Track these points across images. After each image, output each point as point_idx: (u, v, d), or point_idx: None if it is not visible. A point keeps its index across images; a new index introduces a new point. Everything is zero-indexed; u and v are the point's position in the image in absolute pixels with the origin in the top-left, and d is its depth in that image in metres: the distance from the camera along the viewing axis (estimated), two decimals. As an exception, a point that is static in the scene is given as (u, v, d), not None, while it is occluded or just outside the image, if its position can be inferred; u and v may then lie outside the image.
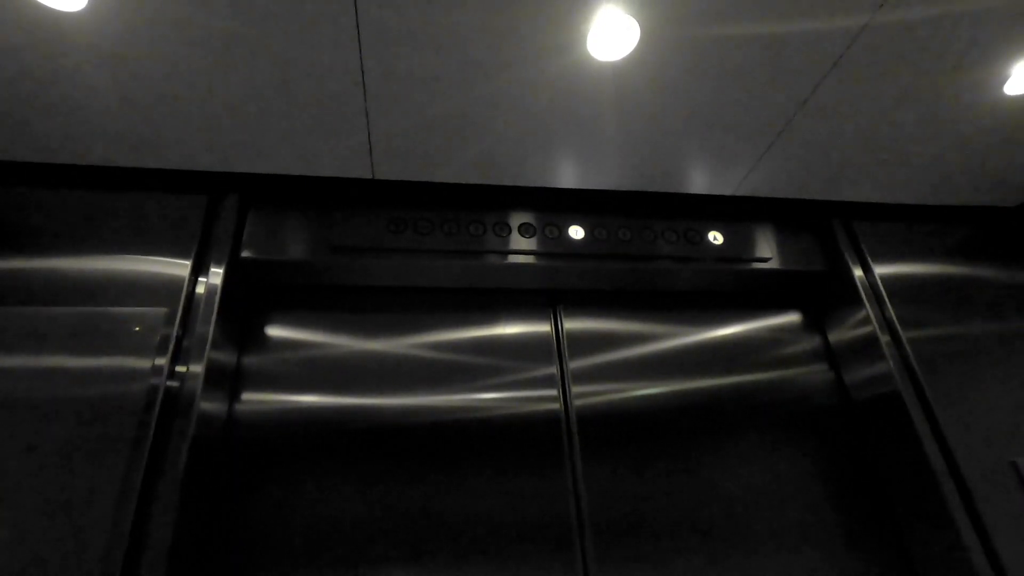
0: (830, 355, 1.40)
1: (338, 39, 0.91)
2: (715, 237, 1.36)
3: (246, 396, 1.16)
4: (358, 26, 0.89)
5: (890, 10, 0.92)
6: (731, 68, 1.01)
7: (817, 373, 1.37)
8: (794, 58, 1.00)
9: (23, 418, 0.91)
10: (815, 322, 1.44)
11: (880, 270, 1.33)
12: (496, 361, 1.27)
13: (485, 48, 0.94)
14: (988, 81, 1.08)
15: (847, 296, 1.34)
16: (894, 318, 1.27)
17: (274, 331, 1.23)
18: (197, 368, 1.01)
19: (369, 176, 1.21)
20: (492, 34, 0.92)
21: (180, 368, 1.01)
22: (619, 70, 1.00)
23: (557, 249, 1.29)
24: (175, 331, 1.03)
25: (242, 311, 1.24)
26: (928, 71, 1.04)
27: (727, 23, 0.93)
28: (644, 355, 1.32)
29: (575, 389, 1.26)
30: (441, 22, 0.90)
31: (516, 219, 1.31)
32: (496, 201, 1.33)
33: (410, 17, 0.89)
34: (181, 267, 1.09)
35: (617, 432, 1.23)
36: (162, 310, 1.04)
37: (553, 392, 1.25)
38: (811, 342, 1.41)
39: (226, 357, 1.13)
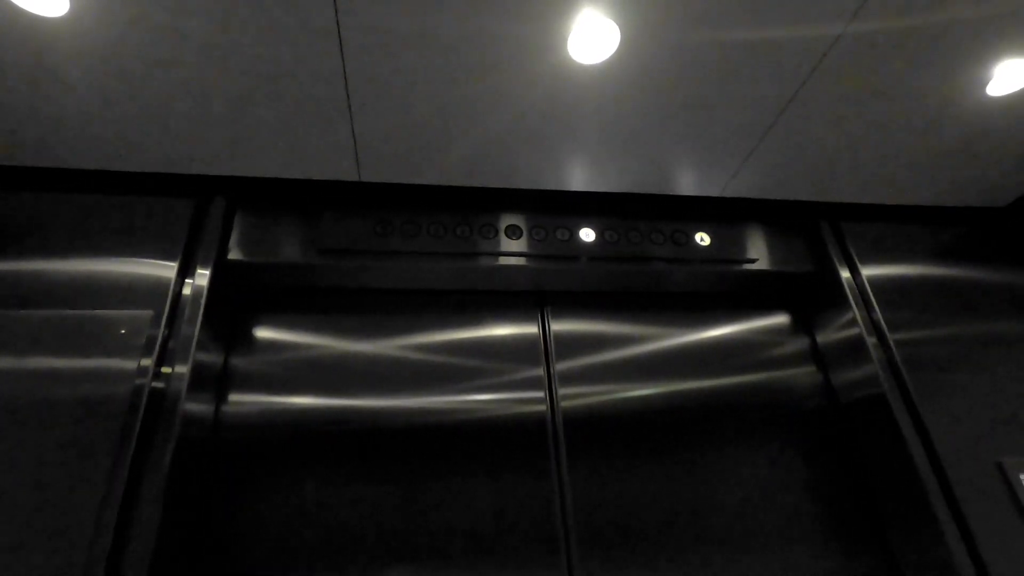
0: (818, 357, 1.40)
1: (319, 42, 0.92)
2: (702, 238, 1.37)
3: (233, 398, 1.17)
4: (339, 29, 0.90)
5: (867, 16, 0.92)
6: (713, 71, 1.02)
7: (805, 375, 1.37)
8: (776, 61, 1.00)
9: (7, 419, 0.92)
10: (803, 323, 1.44)
11: (867, 271, 1.33)
12: (483, 363, 1.27)
13: (467, 51, 0.95)
14: (971, 82, 1.08)
15: (834, 298, 1.34)
16: (881, 320, 1.27)
17: (261, 333, 1.24)
18: (182, 369, 1.02)
19: (355, 178, 1.22)
20: (473, 37, 0.93)
21: (165, 369, 1.02)
22: (601, 73, 1.01)
23: (544, 251, 1.29)
24: (161, 333, 1.04)
25: (229, 313, 1.24)
26: (910, 73, 1.05)
27: (707, 27, 0.94)
28: (631, 357, 1.33)
29: (562, 391, 1.27)
30: (422, 26, 0.90)
31: (503, 221, 1.31)
32: (482, 203, 1.33)
33: (390, 21, 0.89)
34: (167, 269, 1.10)
35: (603, 434, 1.23)
36: (148, 312, 1.05)
37: (540, 394, 1.26)
38: (799, 344, 1.41)
39: (212, 359, 1.14)
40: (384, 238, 1.25)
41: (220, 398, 1.16)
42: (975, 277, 1.36)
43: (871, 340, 1.25)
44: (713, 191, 1.34)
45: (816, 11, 0.91)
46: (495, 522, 1.11)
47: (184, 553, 1.01)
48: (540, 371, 1.28)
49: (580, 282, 1.36)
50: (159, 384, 1.00)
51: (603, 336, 1.35)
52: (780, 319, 1.44)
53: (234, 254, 1.19)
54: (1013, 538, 1.05)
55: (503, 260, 1.28)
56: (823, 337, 1.39)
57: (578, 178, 1.27)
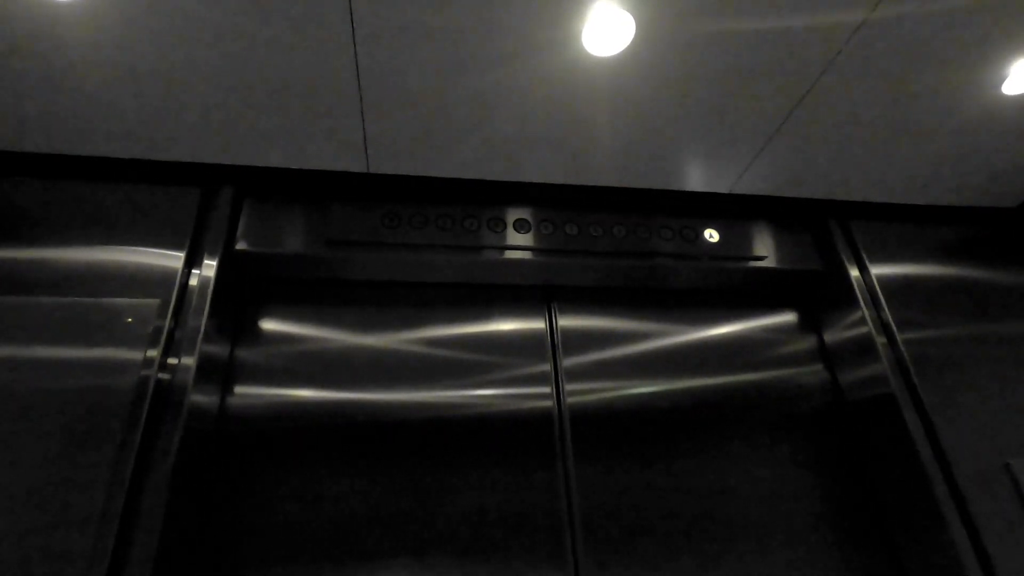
0: (825, 355, 1.39)
1: (332, 33, 0.91)
2: (711, 235, 1.36)
3: (239, 389, 1.16)
4: (352, 21, 0.89)
5: (888, 6, 0.92)
6: (728, 64, 1.01)
7: (812, 373, 1.37)
8: (791, 54, 0.99)
9: (11, 408, 0.91)
10: (811, 322, 1.44)
11: (876, 270, 1.32)
12: (490, 357, 1.27)
13: (479, 43, 0.94)
14: (986, 81, 1.07)
15: (843, 296, 1.34)
16: (890, 319, 1.26)
17: (268, 324, 1.23)
18: (189, 360, 1.01)
19: (364, 170, 1.21)
20: (486, 29, 0.92)
21: (172, 360, 1.01)
22: (615, 66, 1.00)
23: (552, 245, 1.28)
24: (167, 323, 1.03)
25: (236, 304, 1.24)
26: (926, 70, 1.04)
27: (724, 18, 0.93)
28: (638, 353, 1.32)
29: (568, 387, 1.26)
30: (435, 17, 0.89)
31: (511, 215, 1.31)
32: (491, 196, 1.32)
33: (404, 12, 0.88)
34: (174, 259, 1.09)
35: (610, 430, 1.23)
36: (154, 302, 1.04)
37: (547, 389, 1.25)
38: (806, 342, 1.40)
39: (219, 350, 1.13)
40: (392, 230, 1.24)
41: (226, 390, 1.15)
42: (985, 277, 1.35)
43: (880, 339, 1.25)
44: (723, 187, 1.33)
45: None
46: (501, 517, 1.11)
47: (189, 544, 1.00)
48: (547, 367, 1.28)
49: (588, 277, 1.35)
50: (165, 375, 0.99)
51: (610, 332, 1.34)
52: (788, 317, 1.43)
53: (241, 244, 1.18)
54: (1021, 539, 1.05)
55: (511, 254, 1.27)
56: (831, 336, 1.39)
57: (588, 173, 1.26)
